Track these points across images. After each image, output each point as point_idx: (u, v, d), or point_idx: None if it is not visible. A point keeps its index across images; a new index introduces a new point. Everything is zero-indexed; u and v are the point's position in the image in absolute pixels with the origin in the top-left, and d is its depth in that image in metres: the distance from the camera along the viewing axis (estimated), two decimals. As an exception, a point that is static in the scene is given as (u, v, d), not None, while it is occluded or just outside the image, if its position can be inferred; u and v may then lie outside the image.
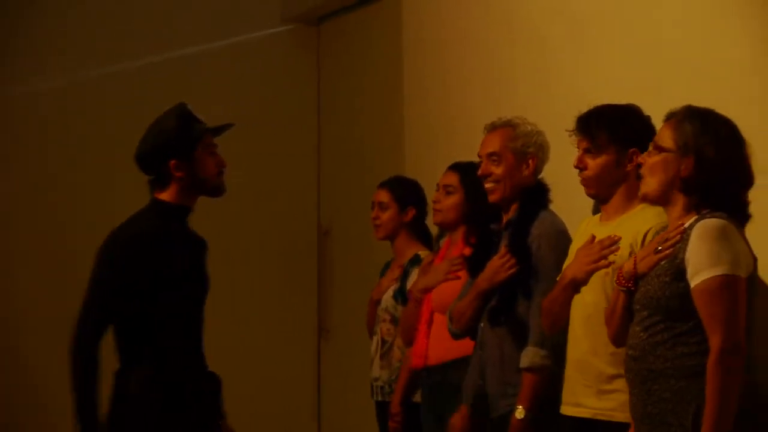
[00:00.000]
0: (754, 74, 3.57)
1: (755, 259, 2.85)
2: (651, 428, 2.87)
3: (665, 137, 2.93)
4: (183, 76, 6.29)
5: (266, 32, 6.63)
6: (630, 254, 3.20)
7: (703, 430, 2.71)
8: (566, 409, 3.35)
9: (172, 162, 3.49)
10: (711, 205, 2.86)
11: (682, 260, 2.81)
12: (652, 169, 2.94)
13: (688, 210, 2.90)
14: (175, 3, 6.34)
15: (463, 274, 4.02)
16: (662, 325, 2.85)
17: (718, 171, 2.86)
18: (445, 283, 4.12)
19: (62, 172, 5.99)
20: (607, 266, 3.24)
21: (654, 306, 2.86)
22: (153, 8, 6.26)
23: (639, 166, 3.31)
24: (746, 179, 2.90)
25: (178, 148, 3.50)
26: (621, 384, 3.19)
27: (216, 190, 3.60)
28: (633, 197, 3.33)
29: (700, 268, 2.77)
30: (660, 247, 2.89)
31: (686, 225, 2.86)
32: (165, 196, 3.53)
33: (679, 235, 2.85)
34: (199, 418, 3.45)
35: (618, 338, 3.07)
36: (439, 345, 4.13)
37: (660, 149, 2.93)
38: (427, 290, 4.22)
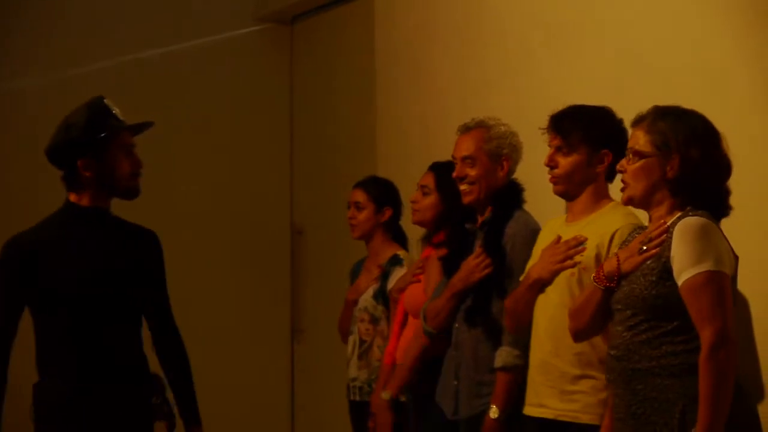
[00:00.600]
0: (732, 77, 3.59)
1: (736, 258, 2.86)
2: (636, 428, 2.86)
3: (642, 142, 2.91)
4: (155, 75, 6.26)
5: (239, 32, 6.61)
6: (596, 255, 3.21)
7: (699, 424, 2.70)
8: (530, 410, 3.35)
9: (80, 161, 3.31)
10: (696, 203, 2.86)
11: (668, 258, 2.81)
12: (636, 176, 2.93)
13: (673, 209, 2.90)
14: (148, 3, 6.31)
15: (423, 277, 4.06)
16: (646, 324, 2.84)
17: (702, 168, 2.86)
18: (413, 285, 4.15)
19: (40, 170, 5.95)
20: (572, 266, 3.25)
21: (639, 305, 2.85)
22: (125, 8, 6.23)
23: (609, 167, 3.33)
24: (728, 172, 2.91)
25: (87, 145, 3.30)
26: (585, 385, 3.20)
27: (129, 192, 3.39)
28: (601, 198, 3.34)
29: (685, 266, 2.77)
30: (645, 247, 2.88)
31: (668, 223, 2.86)
32: (77, 197, 3.37)
33: (663, 234, 2.85)
34: (121, 427, 3.32)
35: (582, 334, 3.08)
36: (408, 344, 4.16)
37: (639, 155, 2.91)
38: (401, 290, 4.24)
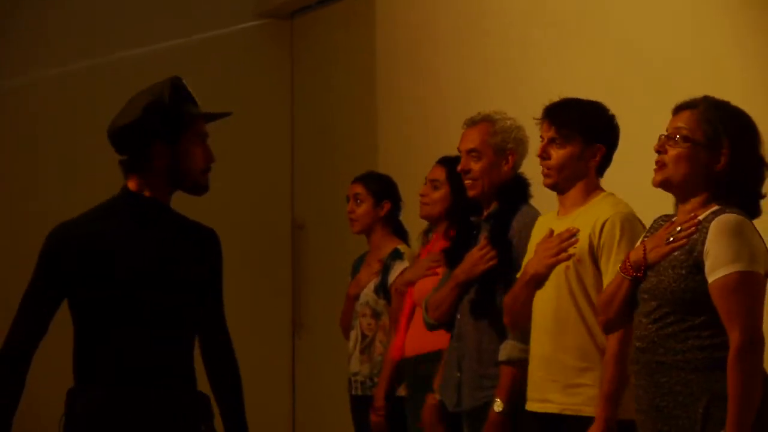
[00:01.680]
0: (732, 71, 3.59)
1: None
2: (658, 421, 2.82)
3: (694, 128, 2.83)
4: (155, 71, 6.21)
5: (240, 27, 6.61)
6: (589, 245, 3.21)
7: (728, 424, 2.68)
8: (532, 405, 3.34)
9: (156, 145, 2.90)
10: (732, 200, 2.82)
11: (700, 253, 2.77)
12: (678, 160, 2.83)
13: (706, 203, 2.84)
14: (149, -1, 6.32)
15: (441, 270, 4.02)
16: (673, 317, 2.80)
17: (748, 167, 2.83)
18: (426, 279, 4.13)
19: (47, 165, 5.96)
20: (566, 259, 3.25)
21: (667, 298, 2.81)
22: (125, 4, 6.23)
23: (601, 161, 3.33)
24: (765, 173, 2.87)
25: (168, 128, 2.90)
26: (589, 378, 3.19)
27: (197, 187, 3.04)
28: (591, 191, 3.33)
29: (719, 264, 2.73)
30: (672, 238, 2.83)
31: (701, 217, 2.81)
32: (137, 185, 2.94)
33: (693, 227, 2.80)
34: None
35: (612, 326, 3.02)
36: (415, 338, 4.16)
37: (688, 140, 2.83)
38: (410, 283, 4.23)
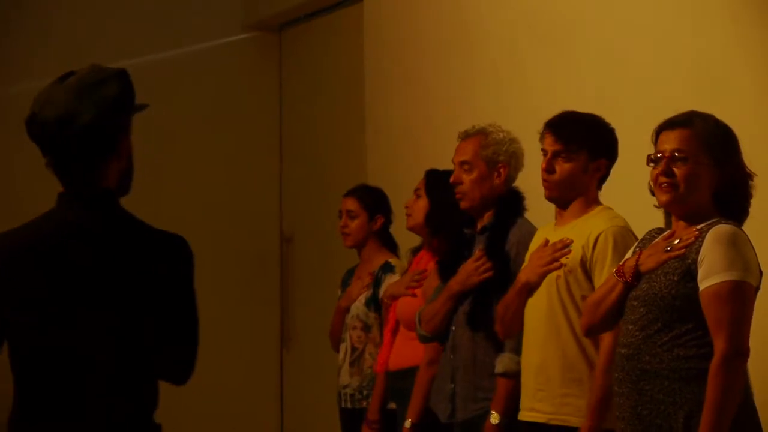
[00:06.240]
0: (724, 81, 3.61)
1: (761, 273, 2.84)
2: (638, 429, 2.84)
3: (694, 146, 2.84)
4: (143, 83, 6.20)
5: (228, 39, 6.61)
6: (581, 257, 3.22)
7: (700, 430, 2.70)
8: (523, 415, 3.36)
9: (122, 142, 2.49)
10: (728, 213, 2.86)
11: (694, 261, 2.79)
12: (689, 181, 2.84)
13: (703, 217, 2.86)
14: (137, 10, 6.31)
15: (418, 291, 4.06)
16: (660, 324, 2.81)
17: (742, 180, 2.88)
18: (407, 297, 4.15)
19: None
20: (558, 268, 3.26)
21: (657, 304, 2.82)
22: (113, 17, 6.22)
23: (603, 176, 3.34)
24: (751, 185, 2.92)
25: (125, 121, 2.50)
26: (576, 388, 3.20)
27: (127, 188, 2.57)
28: (590, 204, 3.35)
29: (713, 271, 2.75)
30: (669, 248, 2.85)
31: (698, 227, 2.83)
32: (90, 188, 2.47)
33: (693, 239, 2.81)
34: None
35: (595, 330, 3.03)
36: (399, 352, 4.17)
37: (692, 159, 2.84)
38: (394, 298, 4.24)
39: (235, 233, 6.51)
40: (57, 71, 2.64)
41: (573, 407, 3.21)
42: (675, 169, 2.85)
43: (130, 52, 6.23)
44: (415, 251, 4.39)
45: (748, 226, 2.87)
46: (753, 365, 2.81)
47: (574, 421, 3.19)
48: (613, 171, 3.37)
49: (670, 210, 2.92)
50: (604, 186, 3.38)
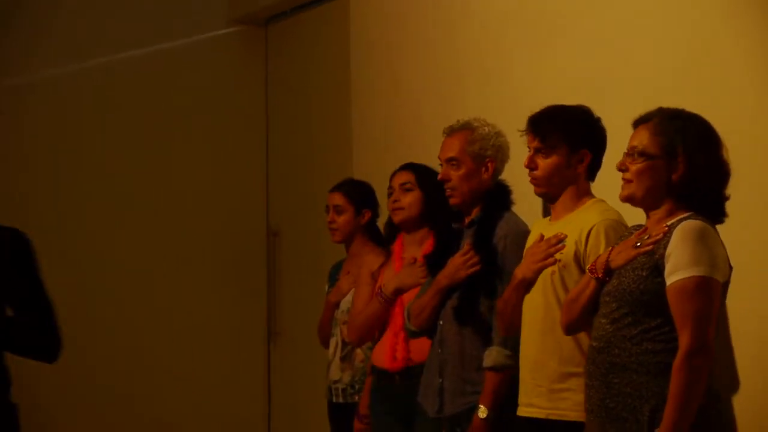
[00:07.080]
0: (714, 76, 3.60)
1: (731, 268, 2.86)
2: (605, 421, 2.87)
3: (648, 142, 2.90)
4: (128, 78, 6.23)
5: (213, 34, 6.59)
6: (575, 252, 3.23)
7: (662, 425, 2.73)
8: (521, 410, 3.36)
9: None
10: (696, 208, 2.87)
11: (661, 256, 2.82)
12: (639, 176, 2.91)
13: (672, 212, 2.90)
14: (120, 6, 6.28)
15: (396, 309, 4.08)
16: (630, 319, 2.85)
17: (706, 174, 2.88)
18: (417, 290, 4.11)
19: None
20: (553, 263, 3.27)
21: (626, 299, 2.86)
22: (97, 12, 6.20)
23: (589, 166, 3.34)
24: (727, 178, 2.92)
25: None
26: (574, 383, 3.21)
27: None
28: (581, 196, 3.36)
29: (679, 266, 2.78)
30: (639, 243, 2.89)
31: (668, 224, 2.86)
32: None
33: (661, 234, 2.85)
34: None
35: (573, 327, 3.08)
36: (422, 347, 4.13)
37: (645, 155, 2.91)
38: (400, 292, 4.18)
39: (222, 228, 6.50)
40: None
41: (571, 402, 3.21)
42: (629, 165, 2.93)
43: (114, 47, 6.22)
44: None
45: (747, 221, 2.88)
46: (753, 365, 2.82)
47: (572, 415, 3.19)
48: (605, 164, 3.37)
49: (631, 204, 2.98)
50: (599, 180, 3.38)
